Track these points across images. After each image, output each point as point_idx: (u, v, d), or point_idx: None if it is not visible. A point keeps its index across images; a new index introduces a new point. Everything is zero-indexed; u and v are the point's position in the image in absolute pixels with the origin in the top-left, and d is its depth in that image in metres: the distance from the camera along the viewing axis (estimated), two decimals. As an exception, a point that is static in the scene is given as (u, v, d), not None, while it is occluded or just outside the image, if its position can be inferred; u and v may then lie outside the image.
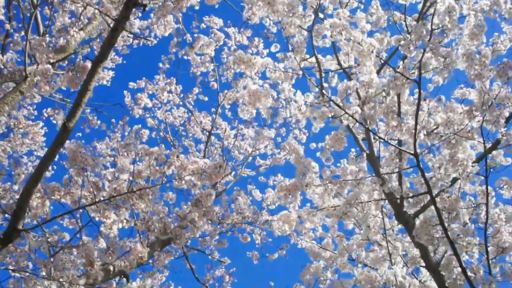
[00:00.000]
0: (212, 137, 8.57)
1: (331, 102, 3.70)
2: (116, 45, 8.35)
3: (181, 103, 8.21)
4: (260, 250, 7.98)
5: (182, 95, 7.95)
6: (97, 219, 3.63)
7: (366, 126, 3.68)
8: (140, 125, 3.62)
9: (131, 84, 7.90)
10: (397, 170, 4.53)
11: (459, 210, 3.54)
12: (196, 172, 3.29)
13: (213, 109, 8.34)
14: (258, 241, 6.79)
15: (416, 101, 3.63)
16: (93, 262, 3.43)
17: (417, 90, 3.67)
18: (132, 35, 8.08)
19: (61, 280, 3.49)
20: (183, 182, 3.39)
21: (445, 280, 4.03)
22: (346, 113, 3.67)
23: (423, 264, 4.50)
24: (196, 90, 7.81)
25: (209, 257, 6.43)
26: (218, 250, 6.58)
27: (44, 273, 3.33)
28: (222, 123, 8.00)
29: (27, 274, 3.31)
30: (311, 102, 3.73)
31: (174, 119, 8.55)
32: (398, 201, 4.87)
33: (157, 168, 3.39)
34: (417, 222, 3.54)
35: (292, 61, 4.08)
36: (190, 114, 8.37)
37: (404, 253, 5.38)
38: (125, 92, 7.98)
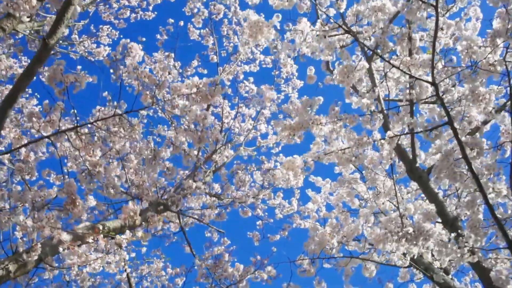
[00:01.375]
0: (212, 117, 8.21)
1: (340, 28, 3.33)
2: (112, 20, 8.07)
3: (179, 79, 7.85)
4: (261, 232, 7.58)
5: (181, 70, 7.59)
6: (80, 154, 3.25)
7: (379, 54, 3.31)
8: (128, 39, 3.14)
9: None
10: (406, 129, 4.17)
11: (483, 145, 3.15)
12: (192, 87, 2.91)
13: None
14: (260, 214, 6.36)
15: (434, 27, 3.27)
16: (76, 200, 3.03)
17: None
18: (129, 9, 7.83)
19: (39, 224, 3.10)
20: (176, 108, 3.00)
21: (463, 234, 3.64)
22: (357, 40, 3.30)
23: (439, 220, 4.11)
24: (195, 63, 7.46)
25: (208, 226, 6.00)
26: (217, 226, 6.16)
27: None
28: (222, 101, 7.64)
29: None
30: (319, 29, 3.35)
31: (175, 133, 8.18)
32: (411, 156, 4.50)
33: (147, 92, 3.02)
34: (438, 156, 3.14)
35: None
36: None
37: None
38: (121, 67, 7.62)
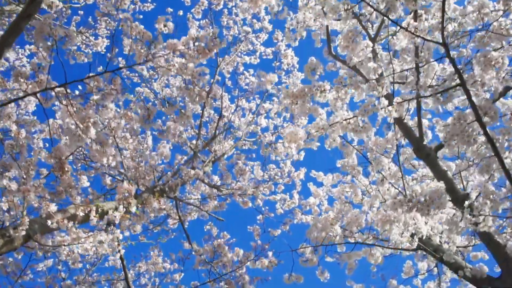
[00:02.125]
0: (212, 112, 8.04)
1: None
2: (110, 12, 7.92)
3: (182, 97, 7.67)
4: (262, 226, 7.33)
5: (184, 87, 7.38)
6: (71, 121, 3.03)
7: (385, 15, 3.12)
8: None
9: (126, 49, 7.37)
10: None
11: (497, 107, 2.94)
12: (189, 40, 2.71)
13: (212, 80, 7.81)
14: (260, 204, 6.14)
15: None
16: (64, 165, 2.81)
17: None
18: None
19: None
20: (172, 68, 2.81)
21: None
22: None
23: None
24: (194, 53, 7.26)
25: (208, 219, 5.77)
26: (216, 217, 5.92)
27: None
28: (222, 93, 7.45)
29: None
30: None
31: (171, 92, 8.02)
32: (417, 134, 4.29)
33: (142, 49, 2.82)
34: (449, 120, 2.93)
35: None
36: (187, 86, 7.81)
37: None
38: (120, 59, 7.47)
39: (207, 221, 7.14)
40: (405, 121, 4.41)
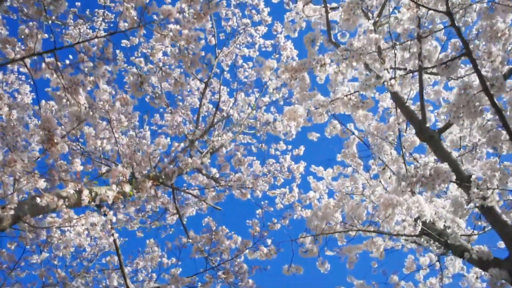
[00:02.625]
0: (210, 106, 7.92)
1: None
2: (108, 3, 7.83)
3: (176, 64, 7.55)
4: (261, 220, 7.17)
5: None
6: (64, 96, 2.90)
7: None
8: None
9: (124, 42, 7.28)
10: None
11: (504, 80, 2.82)
12: (183, 3, 2.58)
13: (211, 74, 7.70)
14: (259, 195, 5.99)
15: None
16: (53, 137, 2.68)
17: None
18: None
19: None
20: (166, 34, 2.68)
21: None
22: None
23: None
24: (192, 44, 7.14)
25: (203, 208, 5.62)
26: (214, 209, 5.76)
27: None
28: (220, 85, 7.34)
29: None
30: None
31: (169, 85, 7.91)
32: (420, 117, 4.16)
33: (134, 15, 2.70)
34: (454, 91, 2.80)
35: None
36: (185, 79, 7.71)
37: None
38: (117, 51, 7.36)
39: (205, 215, 7.00)
40: (407, 104, 4.28)
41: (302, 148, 7.72)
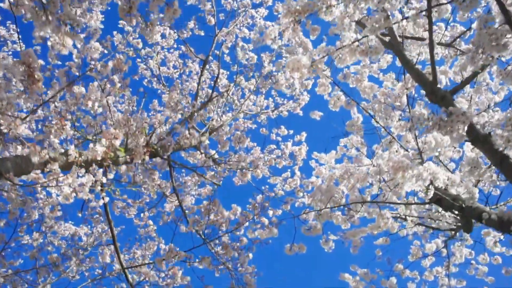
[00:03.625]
0: (209, 91, 7.66)
1: None
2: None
3: (175, 46, 7.32)
4: (261, 205, 6.87)
5: (176, 35, 7.04)
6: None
7: None
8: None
9: (121, 23, 7.03)
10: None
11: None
12: None
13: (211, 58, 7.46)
14: (260, 176, 5.69)
15: None
16: (34, 73, 2.41)
17: None
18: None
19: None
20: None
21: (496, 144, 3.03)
22: None
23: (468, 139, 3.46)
24: (191, 24, 6.91)
25: (202, 178, 5.31)
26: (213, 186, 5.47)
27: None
28: (219, 67, 7.08)
29: None
30: None
31: (168, 69, 7.66)
32: (431, 77, 3.88)
33: None
34: (474, 26, 2.53)
35: None
36: (184, 61, 7.49)
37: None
38: (114, 32, 7.11)
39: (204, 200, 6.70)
40: (416, 67, 4.01)
41: (304, 134, 7.44)
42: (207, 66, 7.44)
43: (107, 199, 3.36)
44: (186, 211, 4.51)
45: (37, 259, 5.24)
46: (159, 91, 7.46)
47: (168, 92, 6.52)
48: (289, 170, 7.05)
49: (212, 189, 4.50)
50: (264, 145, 7.21)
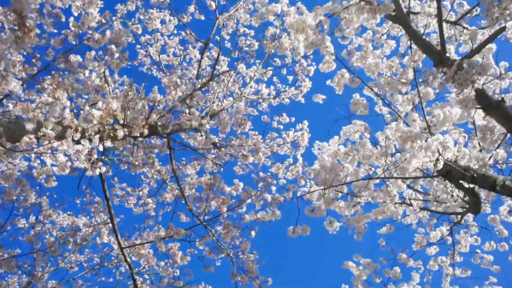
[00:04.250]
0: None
1: None
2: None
3: (175, 32, 7.18)
4: (263, 192, 6.70)
5: (176, 20, 6.91)
6: None
7: None
8: None
9: (120, 7, 6.89)
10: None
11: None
12: None
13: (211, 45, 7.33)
14: (262, 159, 5.52)
15: None
16: (26, 21, 2.26)
17: None
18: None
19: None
20: None
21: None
22: None
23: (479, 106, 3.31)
24: (191, 9, 6.78)
25: (202, 162, 5.15)
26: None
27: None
28: (219, 53, 6.93)
29: None
30: None
31: (167, 56, 7.53)
32: (439, 47, 3.73)
33: None
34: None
35: None
36: (184, 47, 7.35)
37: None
38: (113, 18, 6.96)
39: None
40: (423, 37, 3.86)
41: (306, 122, 7.29)
42: (208, 53, 7.31)
43: (103, 168, 3.21)
44: (186, 187, 4.34)
45: (33, 243, 5.07)
46: (159, 77, 7.32)
47: (167, 75, 6.38)
48: (291, 156, 6.88)
49: (213, 167, 4.33)
50: (265, 133, 7.07)
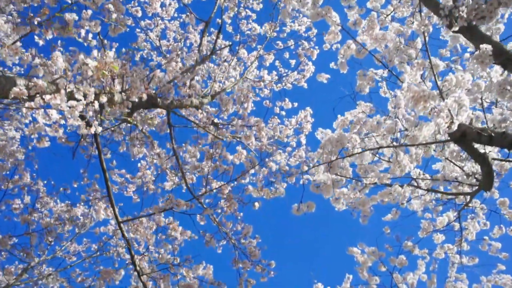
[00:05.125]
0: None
1: None
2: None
3: (176, 15, 7.00)
4: (265, 178, 6.50)
5: (176, 3, 6.73)
6: None
7: None
8: None
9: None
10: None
11: None
12: None
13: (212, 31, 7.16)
14: (264, 137, 5.30)
15: None
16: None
17: None
18: None
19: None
20: None
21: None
22: None
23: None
24: (191, -12, 6.60)
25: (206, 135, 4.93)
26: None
27: None
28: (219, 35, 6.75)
29: None
30: None
31: (167, 42, 7.35)
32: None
33: None
34: None
35: None
36: (185, 29, 7.17)
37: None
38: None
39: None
40: (434, -1, 3.67)
41: (309, 109, 7.08)
42: (208, 38, 7.13)
43: (99, 128, 3.00)
44: (186, 154, 4.13)
45: (29, 224, 4.86)
46: (159, 62, 7.14)
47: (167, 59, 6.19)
48: (294, 142, 6.67)
49: (214, 138, 4.12)
50: (267, 118, 6.87)
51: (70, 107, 2.84)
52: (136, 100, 3.55)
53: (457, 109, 3.17)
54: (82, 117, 3.19)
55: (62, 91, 2.70)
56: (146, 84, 4.13)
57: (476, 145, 3.63)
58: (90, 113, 2.92)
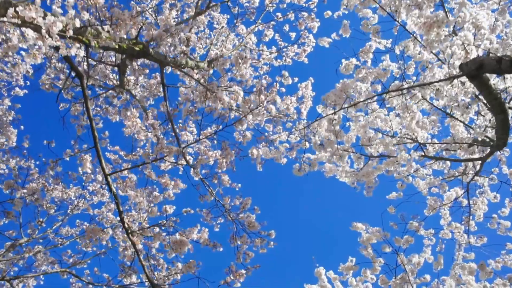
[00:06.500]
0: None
1: None
2: None
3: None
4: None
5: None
6: None
7: None
8: None
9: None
10: None
11: None
12: None
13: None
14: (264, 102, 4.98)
15: None
16: None
17: None
18: None
19: None
20: None
21: None
22: None
23: None
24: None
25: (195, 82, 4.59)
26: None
27: None
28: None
29: None
30: None
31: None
32: None
33: None
34: None
35: None
36: None
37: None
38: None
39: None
40: None
41: (311, 79, 6.71)
42: (206, 12, 6.84)
43: (82, 52, 2.70)
44: (179, 99, 3.81)
45: (14, 190, 4.52)
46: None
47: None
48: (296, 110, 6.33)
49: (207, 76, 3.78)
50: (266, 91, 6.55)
51: (47, 23, 2.53)
52: (124, 36, 3.25)
53: (474, 34, 2.88)
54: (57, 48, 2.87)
55: (38, 0, 2.40)
56: (134, 19, 3.80)
57: (493, 86, 3.32)
58: (71, 31, 2.60)
